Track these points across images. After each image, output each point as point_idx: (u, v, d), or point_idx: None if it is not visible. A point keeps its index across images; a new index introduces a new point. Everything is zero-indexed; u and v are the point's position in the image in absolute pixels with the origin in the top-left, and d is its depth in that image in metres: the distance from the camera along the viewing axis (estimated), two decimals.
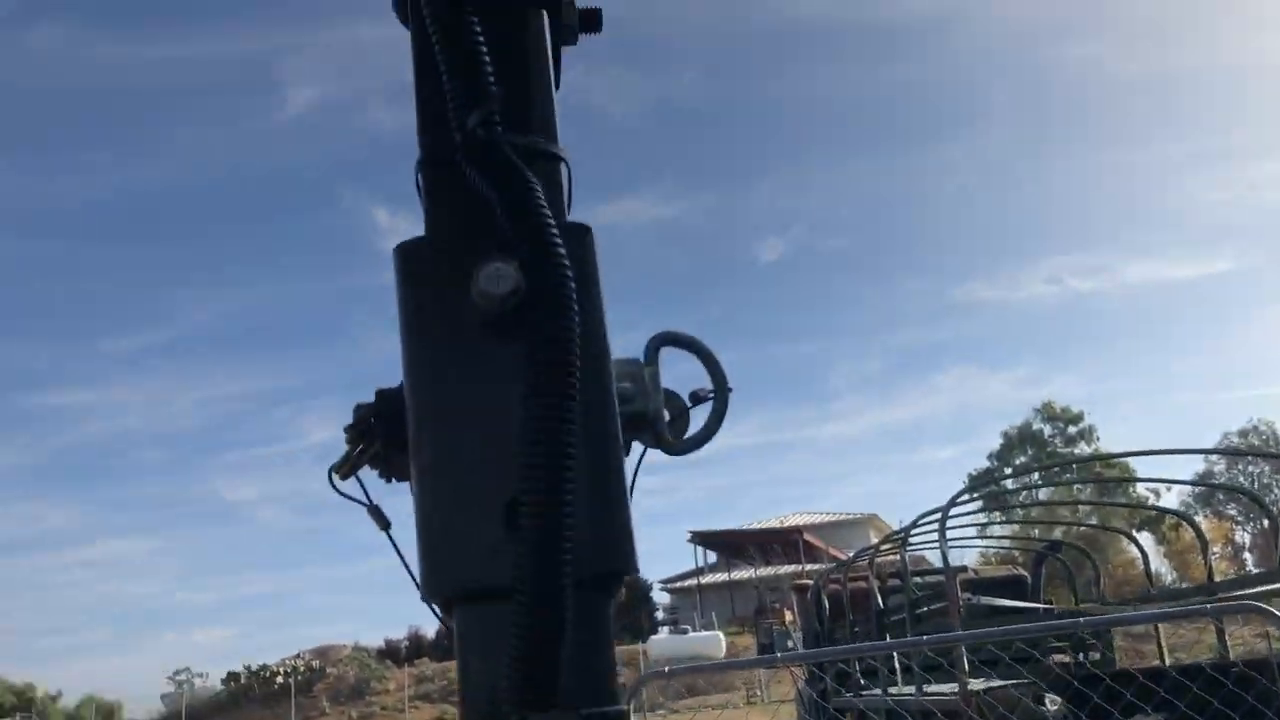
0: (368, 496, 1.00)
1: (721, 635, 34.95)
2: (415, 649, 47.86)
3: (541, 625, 0.82)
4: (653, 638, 37.08)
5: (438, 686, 38.19)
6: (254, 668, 41.54)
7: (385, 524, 0.96)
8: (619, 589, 0.94)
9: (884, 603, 12.95)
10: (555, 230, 0.89)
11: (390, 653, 46.83)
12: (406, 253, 0.93)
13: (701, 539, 49.27)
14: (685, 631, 36.62)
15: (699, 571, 49.77)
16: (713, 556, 50.71)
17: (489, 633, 0.84)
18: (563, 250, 0.89)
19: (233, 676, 42.72)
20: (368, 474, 1.02)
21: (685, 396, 1.09)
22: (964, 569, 12.17)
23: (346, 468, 1.00)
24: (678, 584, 50.75)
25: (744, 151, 68.33)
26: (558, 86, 1.19)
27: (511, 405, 0.85)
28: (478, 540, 0.86)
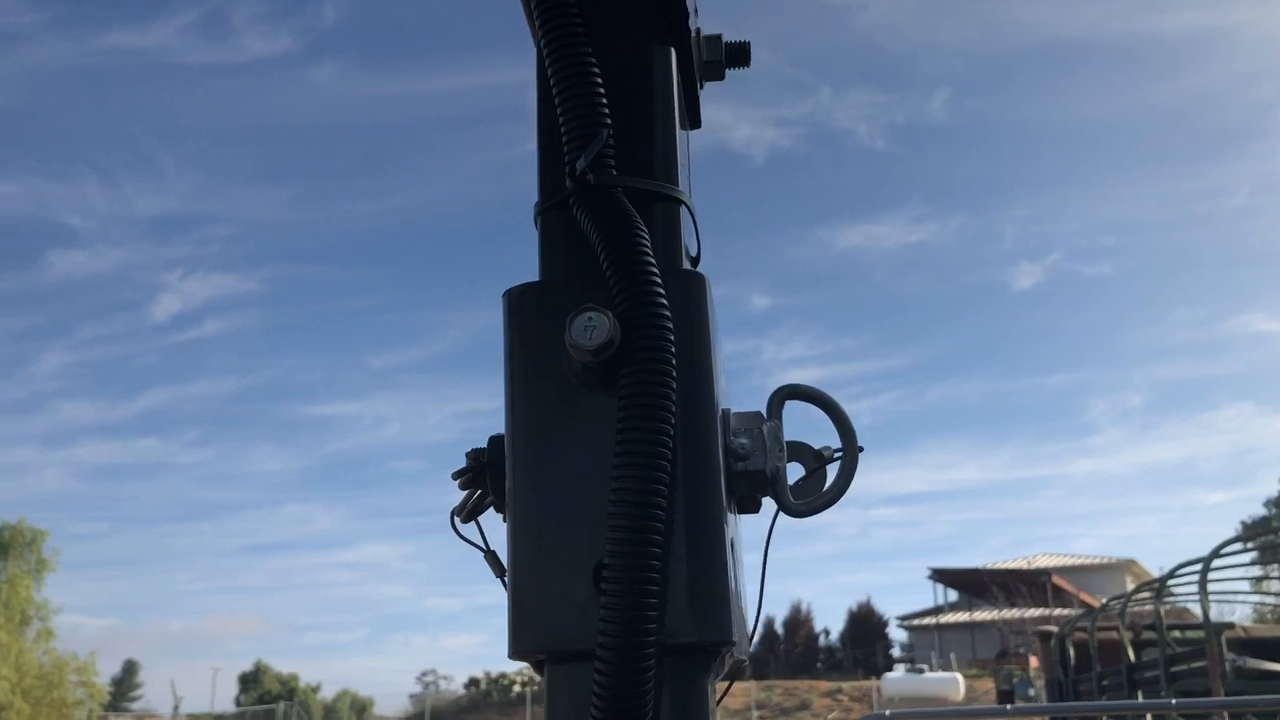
0: (485, 542, 0.99)
1: (960, 677, 33.59)
2: None
3: (619, 692, 0.78)
4: (887, 675, 36.08)
5: None
6: (494, 675, 43.13)
7: (501, 571, 0.94)
8: (719, 661, 0.88)
9: (1136, 657, 12.12)
10: (656, 278, 0.85)
11: None
12: (515, 298, 0.91)
13: (942, 576, 47.65)
14: (922, 671, 35.42)
15: (938, 610, 48.10)
16: (953, 594, 48.89)
17: (576, 694, 0.81)
18: (662, 300, 0.84)
19: (474, 682, 44.55)
20: (489, 519, 1.00)
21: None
22: (1230, 626, 11.23)
23: (466, 511, 0.99)
24: (916, 621, 49.23)
25: (996, 174, 66.06)
26: (697, 124, 1.15)
27: (610, 461, 0.82)
28: (567, 599, 0.82)
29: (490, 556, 0.99)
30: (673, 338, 0.84)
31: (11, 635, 31.35)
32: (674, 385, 0.83)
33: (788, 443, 1.04)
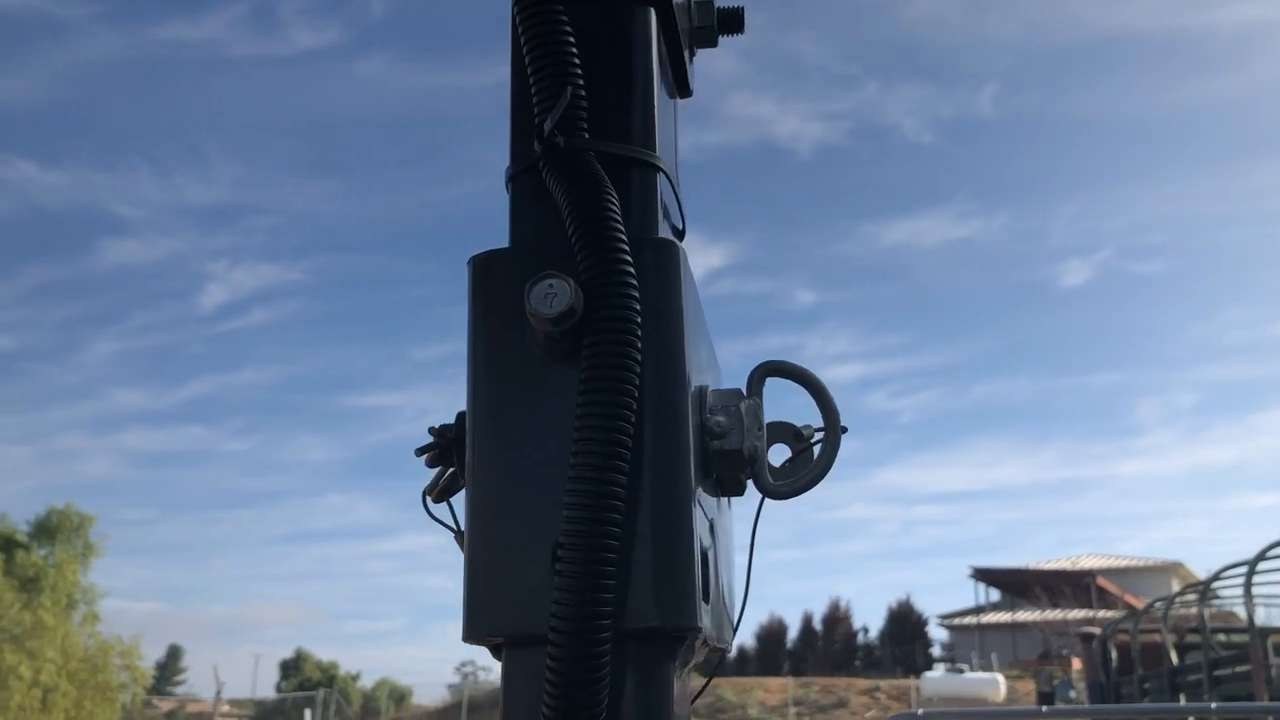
0: (457, 523, 0.95)
1: (1001, 678, 33.25)
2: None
3: (572, 679, 0.74)
4: (926, 674, 35.80)
5: (704, 702, 38.44)
6: None
7: None
8: (687, 648, 0.84)
9: (1179, 660, 11.90)
10: (622, 245, 0.81)
11: None
12: (480, 264, 0.87)
13: (984, 576, 47.18)
14: (962, 671, 35.10)
15: (980, 609, 47.64)
16: (995, 594, 48.40)
17: (534, 680, 0.77)
18: (628, 267, 0.80)
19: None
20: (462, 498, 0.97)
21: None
22: (1277, 630, 10.99)
23: (439, 490, 0.95)
24: (956, 621, 48.80)
25: (1045, 170, 65.16)
26: (687, 93, 1.11)
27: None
28: (524, 581, 0.79)
29: (460, 537, 0.96)
30: (639, 307, 0.80)
31: (58, 619, 31.87)
32: (638, 356, 0.78)
33: (771, 423, 0.99)
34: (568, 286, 0.78)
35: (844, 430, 0.95)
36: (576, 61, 0.88)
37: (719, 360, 1.04)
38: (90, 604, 33.77)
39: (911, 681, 37.30)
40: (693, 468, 0.82)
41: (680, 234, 1.03)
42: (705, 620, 0.82)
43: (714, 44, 1.12)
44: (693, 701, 1.08)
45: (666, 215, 0.98)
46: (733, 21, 1.11)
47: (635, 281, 0.80)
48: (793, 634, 51.09)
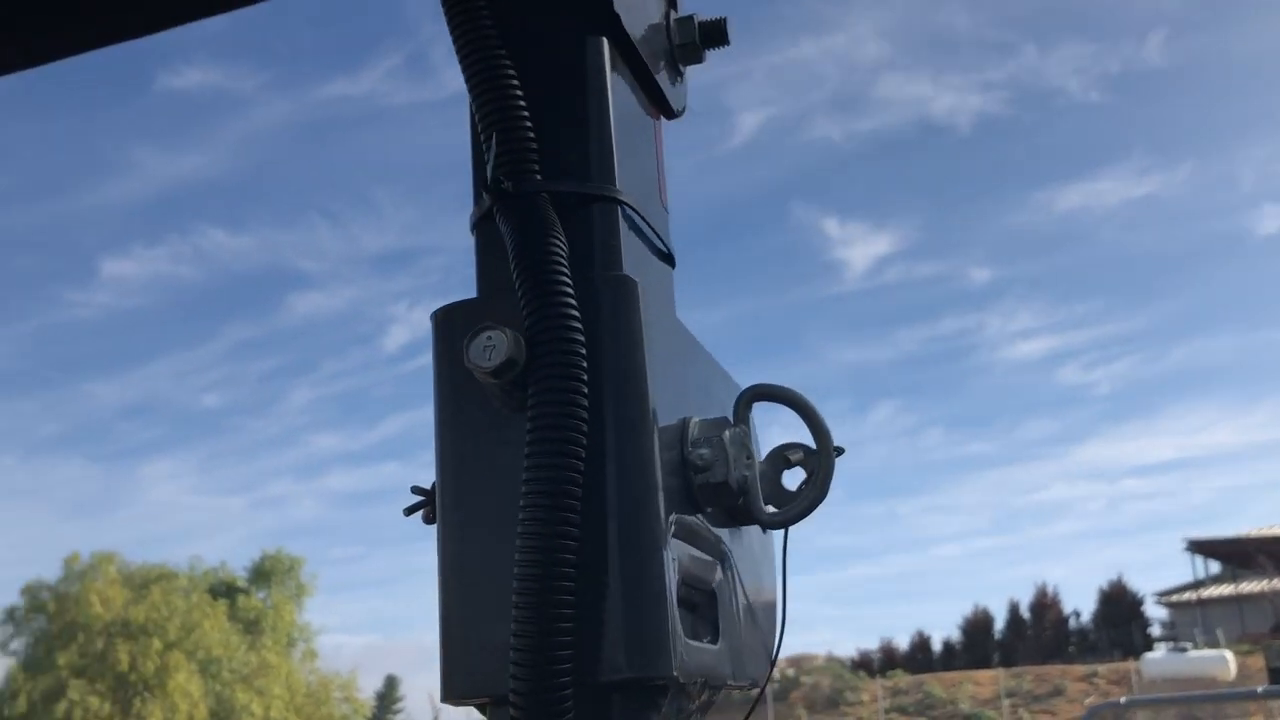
0: None
1: (1229, 655, 31.31)
2: (888, 661, 47.55)
3: None
4: (1147, 656, 34.04)
5: (912, 700, 37.63)
6: None
7: None
8: (668, 696, 0.81)
9: None
10: (560, 289, 0.79)
11: (863, 664, 46.86)
12: (440, 318, 0.87)
13: (1202, 548, 44.61)
14: (1185, 650, 33.24)
15: (1199, 584, 45.07)
16: (1215, 566, 45.71)
17: None
18: (566, 311, 0.78)
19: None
20: None
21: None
22: None
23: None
24: (1175, 598, 46.30)
25: (1226, 115, 61.50)
26: (671, 114, 1.08)
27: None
28: (494, 642, 0.77)
29: None
30: (582, 351, 0.77)
31: (280, 657, 33.71)
32: (582, 402, 0.76)
33: (777, 449, 0.95)
34: (505, 337, 0.77)
35: (839, 451, 0.90)
36: (520, 101, 0.86)
37: (734, 382, 1.01)
38: (308, 641, 35.60)
39: (1131, 664, 35.58)
40: (662, 508, 0.79)
41: (668, 258, 1.00)
42: (685, 664, 0.79)
43: (700, 59, 1.09)
44: None
45: (649, 246, 0.96)
46: (715, 34, 1.08)
47: (577, 325, 0.78)
48: (999, 623, 49.49)
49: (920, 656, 48.84)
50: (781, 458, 0.92)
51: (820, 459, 0.89)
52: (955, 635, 50.08)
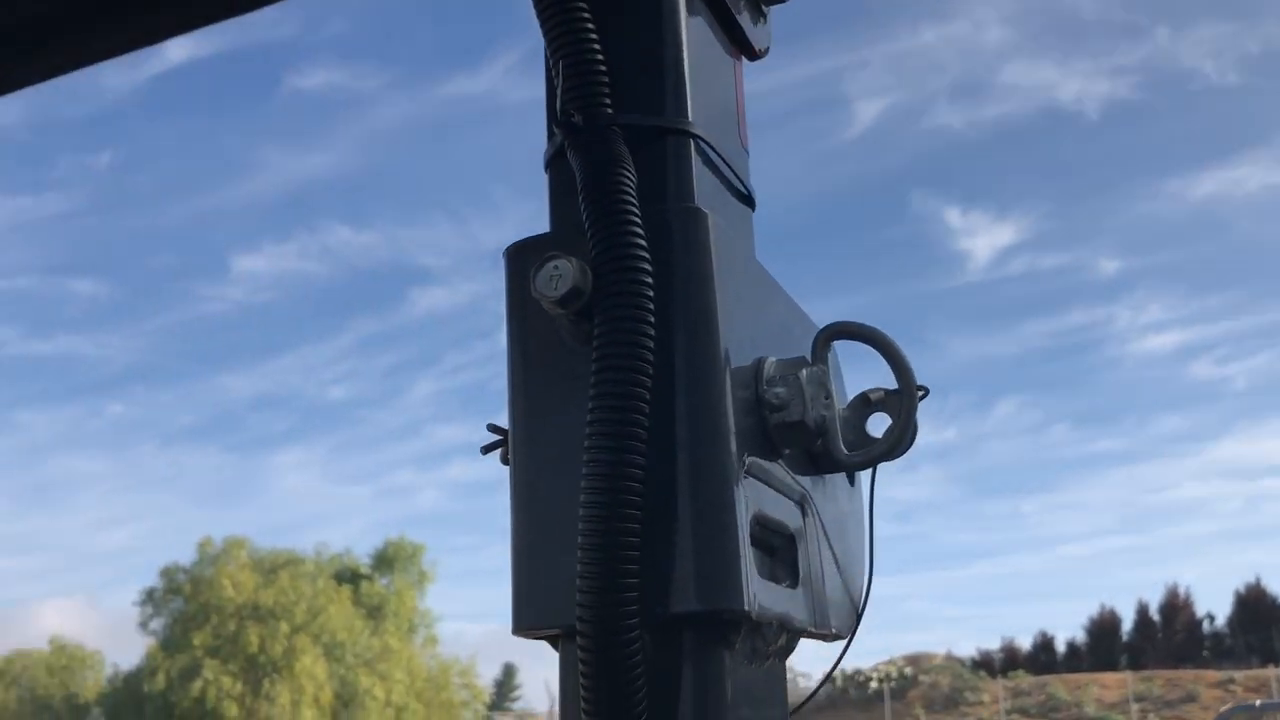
0: None
1: None
2: (1010, 661, 46.42)
3: (602, 670, 0.71)
4: None
5: (1035, 701, 36.67)
6: (849, 671, 42.76)
7: None
8: (740, 632, 0.79)
9: None
10: (628, 218, 0.77)
11: (984, 663, 45.86)
12: (513, 254, 0.86)
13: None
14: None
15: None
16: None
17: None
18: (633, 240, 0.77)
19: (829, 679, 44.30)
20: None
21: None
22: None
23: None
24: None
25: None
26: (753, 55, 1.06)
27: None
28: (564, 574, 0.76)
29: None
30: (649, 280, 0.76)
31: (402, 642, 34.56)
32: (648, 332, 0.74)
33: (860, 394, 0.92)
34: (571, 266, 0.76)
35: (924, 392, 0.87)
36: (591, 35, 0.85)
37: (815, 325, 0.98)
38: (429, 627, 36.42)
39: (1271, 671, 34.07)
40: (734, 444, 0.77)
41: (747, 199, 0.98)
42: (760, 603, 0.77)
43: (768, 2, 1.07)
44: (811, 697, 1.02)
45: (725, 183, 0.94)
46: None
47: (645, 255, 0.76)
48: (1126, 625, 47.89)
49: (1043, 657, 47.60)
50: (864, 400, 0.90)
51: (902, 399, 0.86)
52: (1080, 636, 48.70)
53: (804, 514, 0.91)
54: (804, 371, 0.84)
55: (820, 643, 0.97)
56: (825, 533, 0.95)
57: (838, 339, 0.88)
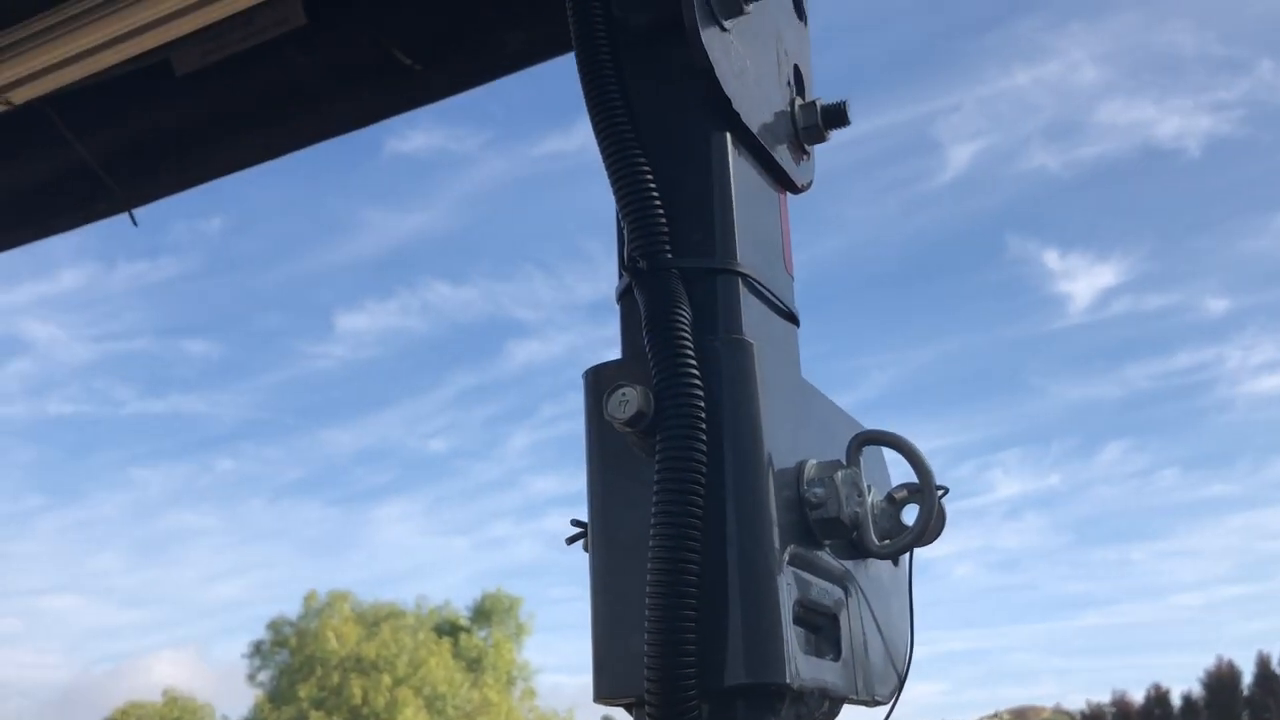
0: None
1: None
2: (1122, 716, 44.88)
3: None
4: None
5: None
6: None
7: None
8: (778, 701, 0.92)
9: None
10: (682, 351, 0.93)
11: (1094, 717, 44.41)
12: (594, 376, 1.02)
13: None
14: None
15: None
16: None
17: None
18: (686, 369, 0.92)
19: None
20: None
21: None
22: None
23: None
24: None
25: None
26: (795, 188, 1.21)
27: None
28: (633, 650, 0.91)
29: None
30: (701, 403, 0.91)
31: (500, 694, 34.83)
32: (701, 446, 0.89)
33: (891, 489, 1.06)
34: (636, 393, 0.91)
35: (944, 491, 1.00)
36: (653, 190, 1.01)
37: (858, 425, 1.12)
38: (527, 680, 36.64)
39: None
40: (776, 537, 0.91)
41: (791, 318, 1.13)
42: (801, 675, 0.90)
43: (824, 139, 1.22)
44: None
45: (771, 308, 1.09)
46: (837, 117, 1.21)
47: (698, 381, 0.91)
48: (1247, 679, 45.97)
49: (1158, 711, 45.87)
50: (891, 498, 1.04)
51: (924, 496, 1.00)
52: (1197, 690, 46.84)
53: (846, 594, 1.04)
54: (839, 473, 0.99)
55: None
56: (869, 608, 1.09)
57: (868, 445, 1.02)
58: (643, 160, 1.02)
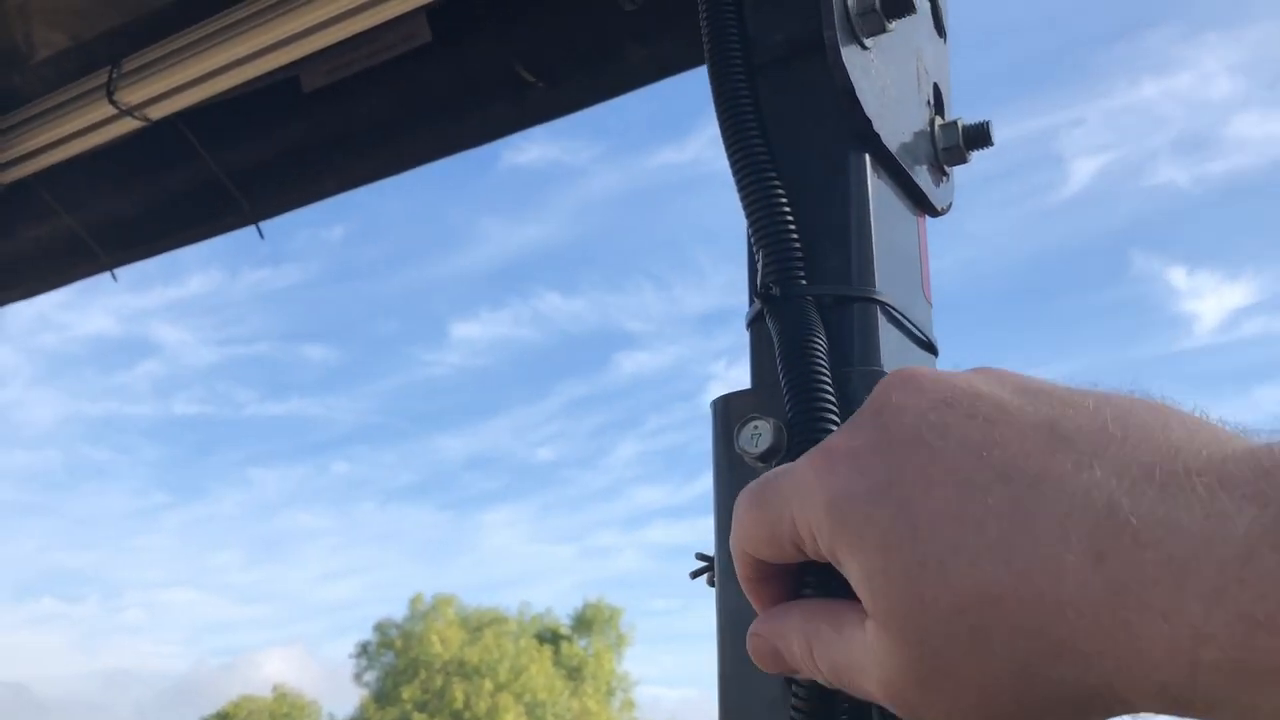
0: None
1: None
2: None
3: None
4: None
5: None
6: None
7: None
8: None
9: None
10: (819, 383, 0.88)
11: None
12: (724, 406, 0.98)
13: None
14: None
15: None
16: None
17: None
18: (823, 404, 0.87)
19: None
20: None
21: None
22: None
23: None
24: None
25: None
26: (934, 211, 1.16)
27: None
28: (764, 691, 0.87)
29: None
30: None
31: (600, 705, 34.91)
32: None
33: None
34: (769, 426, 0.87)
35: None
36: (787, 214, 0.97)
37: None
38: (626, 691, 36.66)
39: None
40: None
41: (929, 347, 1.08)
42: None
43: (965, 161, 1.16)
44: None
45: (909, 337, 1.04)
46: (979, 137, 1.15)
47: (834, 416, 0.87)
48: None
49: None
50: None
51: None
52: None
53: None
54: None
55: None
56: None
57: None
58: (777, 183, 0.98)
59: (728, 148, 1.01)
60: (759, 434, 0.88)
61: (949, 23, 1.28)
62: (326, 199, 2.09)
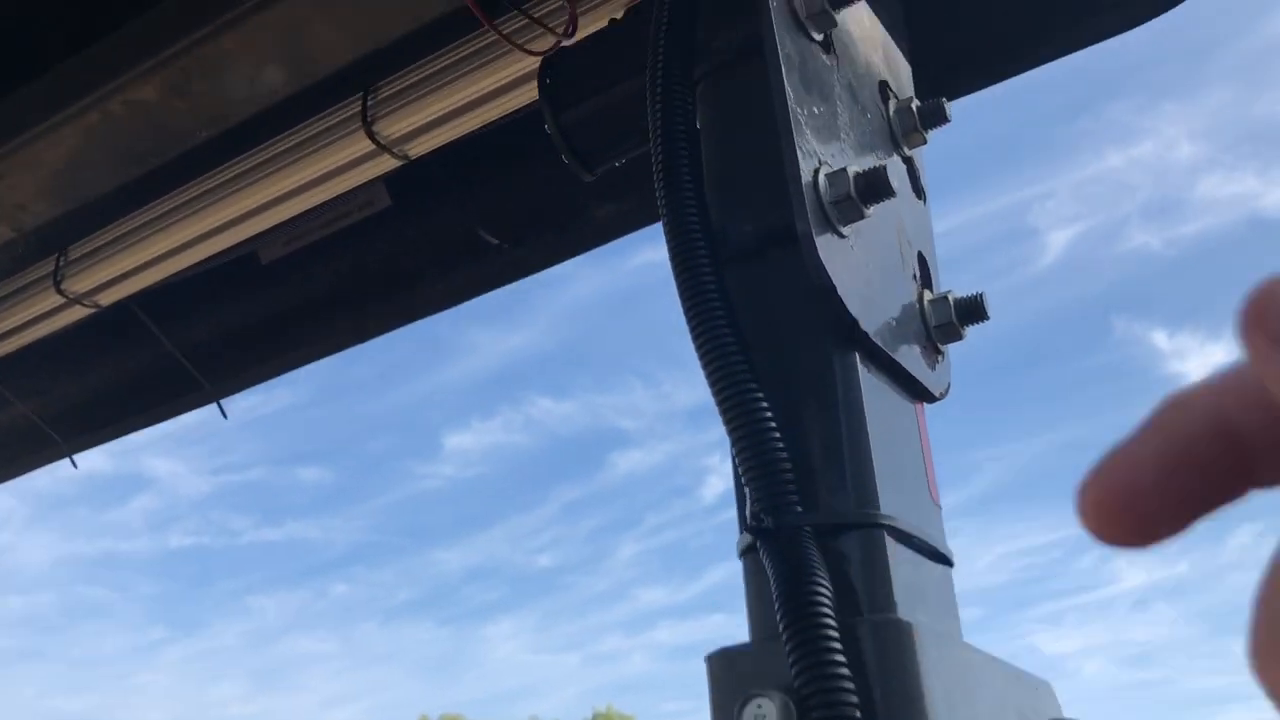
0: None
1: None
2: None
3: None
4: None
5: None
6: None
7: None
8: None
9: None
10: (827, 648, 0.78)
11: None
12: (721, 665, 0.87)
13: None
14: None
15: None
16: None
17: None
18: (833, 669, 0.76)
19: None
20: None
21: None
22: None
23: None
24: None
25: None
26: (931, 399, 1.06)
27: None
28: None
29: None
30: (856, 713, 0.75)
31: None
32: None
33: None
34: (774, 705, 0.76)
35: None
36: (775, 439, 0.87)
37: (1036, 683, 0.95)
38: None
39: None
40: None
41: (944, 559, 0.97)
42: None
43: (960, 337, 1.07)
44: None
45: (923, 553, 0.93)
46: (973, 311, 1.06)
47: (848, 685, 0.76)
48: None
49: None
50: None
51: None
52: None
53: None
54: None
55: None
56: None
57: None
58: (760, 398, 0.88)
59: (702, 361, 0.91)
60: (763, 715, 0.77)
61: (927, 181, 1.19)
62: (288, 372, 2.00)
